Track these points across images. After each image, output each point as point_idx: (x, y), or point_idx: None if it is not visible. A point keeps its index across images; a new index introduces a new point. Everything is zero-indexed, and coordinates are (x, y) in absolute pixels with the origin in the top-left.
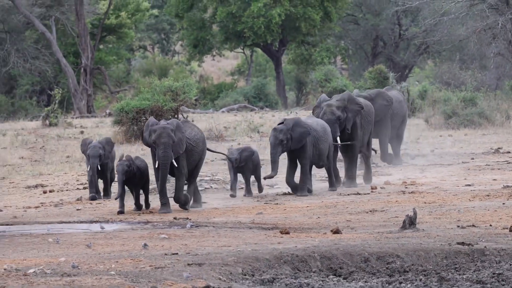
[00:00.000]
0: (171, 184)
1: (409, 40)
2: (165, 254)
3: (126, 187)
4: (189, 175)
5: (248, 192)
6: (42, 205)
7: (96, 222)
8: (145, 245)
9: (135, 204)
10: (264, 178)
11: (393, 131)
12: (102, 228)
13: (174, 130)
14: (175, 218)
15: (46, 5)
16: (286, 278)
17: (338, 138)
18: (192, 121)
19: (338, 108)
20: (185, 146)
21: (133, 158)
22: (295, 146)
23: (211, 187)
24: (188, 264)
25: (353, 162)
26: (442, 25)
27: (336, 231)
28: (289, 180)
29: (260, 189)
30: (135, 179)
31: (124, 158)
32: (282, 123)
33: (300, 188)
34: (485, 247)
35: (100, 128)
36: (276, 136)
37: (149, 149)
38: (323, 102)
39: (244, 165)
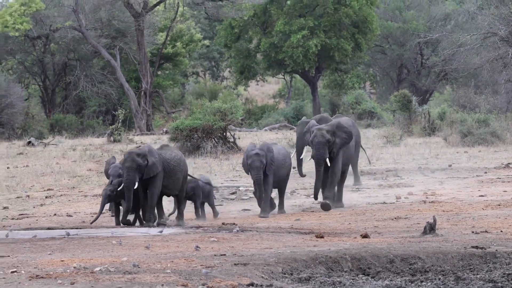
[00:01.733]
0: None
1: (430, 68)
2: (215, 255)
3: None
4: (176, 193)
5: (199, 216)
6: (107, 212)
7: (154, 227)
8: (197, 247)
9: (121, 221)
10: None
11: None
12: (160, 232)
13: (142, 154)
14: (223, 224)
15: (112, 36)
16: (321, 277)
17: (327, 160)
18: (238, 138)
19: (328, 132)
20: (164, 167)
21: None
22: (269, 171)
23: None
24: (235, 264)
25: (332, 184)
26: (459, 55)
27: (365, 236)
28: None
29: (215, 214)
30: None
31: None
32: (259, 148)
33: (262, 210)
34: (496, 250)
35: (158, 144)
36: (262, 160)
37: (197, 165)
38: (312, 127)
39: (192, 194)
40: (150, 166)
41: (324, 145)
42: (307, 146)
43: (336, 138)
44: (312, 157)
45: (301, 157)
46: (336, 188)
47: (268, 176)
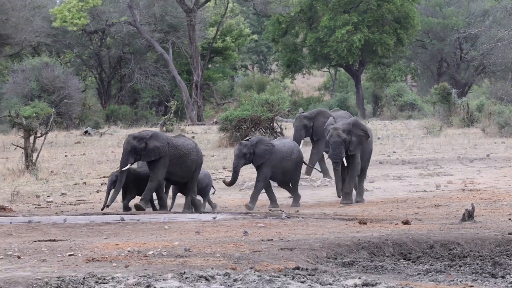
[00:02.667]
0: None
1: (468, 62)
2: (262, 240)
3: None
4: (185, 187)
5: (188, 208)
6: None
7: (207, 212)
8: (245, 232)
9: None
10: (224, 182)
11: None
12: (214, 217)
13: (140, 138)
14: (270, 210)
15: (165, 31)
16: (364, 261)
17: (344, 159)
18: (285, 128)
19: (344, 131)
20: (172, 153)
21: (137, 167)
22: (256, 163)
23: (301, 184)
24: (281, 249)
25: (352, 180)
26: (497, 49)
27: (406, 222)
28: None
29: (213, 207)
30: (134, 185)
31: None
32: (248, 139)
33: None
34: None
35: (208, 134)
36: (241, 149)
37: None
38: (329, 126)
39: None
40: (150, 150)
41: (340, 144)
42: (304, 140)
43: (353, 137)
44: (329, 156)
45: None
46: (356, 183)
47: (262, 170)
